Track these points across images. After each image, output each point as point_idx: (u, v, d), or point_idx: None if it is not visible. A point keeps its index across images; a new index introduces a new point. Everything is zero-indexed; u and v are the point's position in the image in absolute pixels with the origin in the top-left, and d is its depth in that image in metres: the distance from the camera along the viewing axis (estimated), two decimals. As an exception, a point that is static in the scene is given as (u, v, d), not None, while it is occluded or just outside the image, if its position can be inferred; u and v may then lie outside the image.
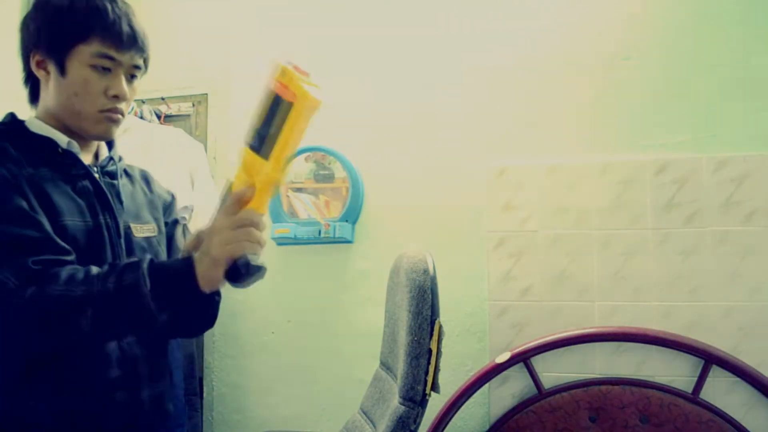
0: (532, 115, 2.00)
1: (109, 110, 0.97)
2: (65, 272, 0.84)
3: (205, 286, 0.85)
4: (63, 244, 0.89)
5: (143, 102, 2.24)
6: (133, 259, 0.90)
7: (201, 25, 2.35)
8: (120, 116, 1.00)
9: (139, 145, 2.00)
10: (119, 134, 1.05)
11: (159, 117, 2.29)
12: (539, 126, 1.99)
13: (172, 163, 2.02)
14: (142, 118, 2.18)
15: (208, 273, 0.84)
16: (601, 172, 1.91)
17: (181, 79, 2.33)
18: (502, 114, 2.03)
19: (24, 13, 0.99)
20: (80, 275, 0.84)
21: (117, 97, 0.97)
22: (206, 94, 2.32)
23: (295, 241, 2.09)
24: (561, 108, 1.98)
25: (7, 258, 0.83)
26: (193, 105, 2.35)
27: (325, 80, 2.45)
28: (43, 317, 0.82)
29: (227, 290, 1.17)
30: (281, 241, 2.12)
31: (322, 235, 2.04)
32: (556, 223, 1.93)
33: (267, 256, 2.50)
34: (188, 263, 0.86)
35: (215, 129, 2.29)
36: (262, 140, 0.86)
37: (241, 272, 0.86)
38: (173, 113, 2.35)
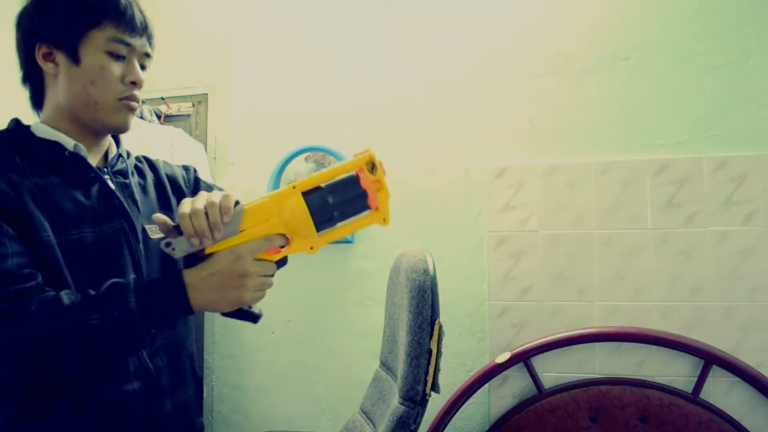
0: (532, 115, 2.00)
1: (128, 98, 0.95)
2: (36, 305, 0.79)
3: (198, 306, 0.85)
4: (27, 270, 0.82)
5: (143, 102, 2.24)
6: (113, 281, 0.84)
7: (201, 25, 2.35)
8: (137, 104, 0.98)
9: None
10: None
11: (159, 117, 2.29)
12: (539, 126, 1.99)
13: (172, 163, 2.02)
14: (142, 118, 2.18)
15: (208, 302, 0.85)
16: (601, 172, 1.91)
17: (181, 79, 2.33)
18: (502, 114, 2.03)
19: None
20: (53, 308, 0.79)
21: (134, 84, 0.95)
22: (206, 94, 2.32)
23: (295, 241, 2.08)
24: (561, 108, 1.98)
25: None
26: (193, 105, 2.35)
27: (326, 81, 2.44)
28: (21, 359, 0.78)
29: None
30: (281, 241, 2.11)
31: (322, 235, 2.04)
32: (556, 223, 1.93)
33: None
34: (180, 289, 0.83)
35: (215, 129, 2.29)
36: (326, 216, 0.85)
37: (242, 313, 0.88)
38: (173, 113, 2.35)
